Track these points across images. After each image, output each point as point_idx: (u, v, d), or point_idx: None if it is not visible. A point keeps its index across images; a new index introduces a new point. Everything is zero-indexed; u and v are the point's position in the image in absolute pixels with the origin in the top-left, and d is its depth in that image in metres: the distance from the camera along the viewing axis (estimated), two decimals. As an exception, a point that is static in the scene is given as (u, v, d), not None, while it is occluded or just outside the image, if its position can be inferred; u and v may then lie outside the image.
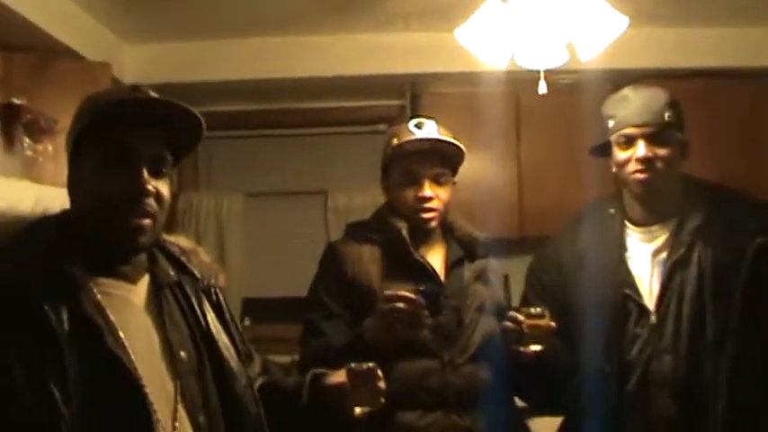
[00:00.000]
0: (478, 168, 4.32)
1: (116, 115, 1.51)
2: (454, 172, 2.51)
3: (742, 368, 2.16)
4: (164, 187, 1.56)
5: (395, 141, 2.46)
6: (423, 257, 2.43)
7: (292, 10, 4.05)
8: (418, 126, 2.46)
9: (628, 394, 2.29)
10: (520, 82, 3.53)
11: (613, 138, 2.39)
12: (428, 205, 2.42)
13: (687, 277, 2.29)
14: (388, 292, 2.22)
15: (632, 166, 2.34)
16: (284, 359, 3.68)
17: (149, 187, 1.52)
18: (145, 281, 1.61)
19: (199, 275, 1.74)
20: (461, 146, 2.46)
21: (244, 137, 5.03)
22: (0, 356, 1.32)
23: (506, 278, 2.52)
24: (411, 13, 4.11)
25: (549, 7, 2.42)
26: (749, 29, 4.32)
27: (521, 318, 2.25)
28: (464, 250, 2.51)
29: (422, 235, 2.47)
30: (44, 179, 3.17)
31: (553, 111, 4.21)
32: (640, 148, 2.32)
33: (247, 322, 4.49)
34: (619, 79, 3.50)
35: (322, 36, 4.41)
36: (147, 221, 1.53)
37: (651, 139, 2.32)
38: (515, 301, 2.53)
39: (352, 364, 1.87)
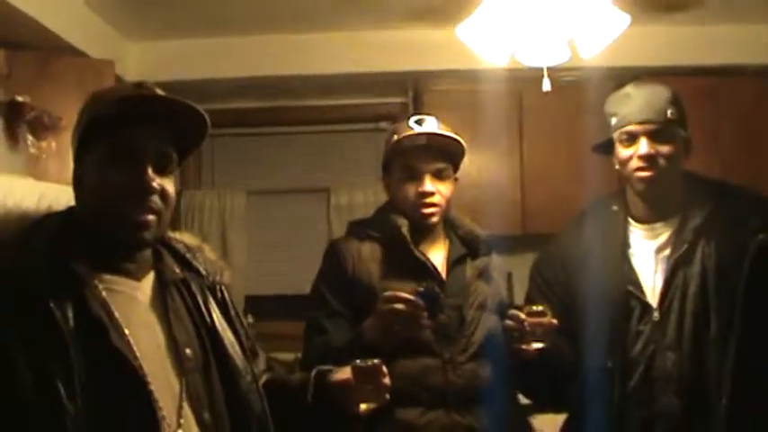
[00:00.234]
0: (481, 166, 4.35)
1: (121, 112, 1.51)
2: (456, 168, 2.51)
3: (745, 365, 2.16)
4: (169, 185, 1.57)
5: (395, 138, 2.47)
6: (424, 255, 2.43)
7: (295, 8, 4.06)
8: (419, 123, 2.46)
9: (631, 391, 2.29)
10: (522, 79, 3.53)
11: (616, 135, 2.39)
12: (429, 200, 2.42)
13: (690, 274, 2.29)
14: (386, 293, 2.22)
15: (635, 164, 2.34)
16: (287, 356, 3.70)
17: (154, 185, 1.52)
18: (150, 278, 1.61)
19: (204, 272, 1.74)
20: (461, 140, 2.46)
21: (247, 134, 5.04)
22: (5, 353, 1.32)
23: (509, 275, 2.52)
24: (413, 11, 4.11)
25: (551, 4, 2.42)
26: (751, 26, 4.32)
27: (522, 316, 2.25)
28: (466, 248, 2.51)
29: (423, 232, 2.47)
30: (48, 176, 3.18)
31: (555, 108, 4.22)
32: (643, 146, 2.32)
33: (250, 320, 4.49)
34: (621, 77, 3.51)
35: (325, 33, 4.42)
36: (151, 217, 1.53)
37: (654, 137, 2.32)
38: (518, 299, 2.53)
39: (357, 361, 1.87)
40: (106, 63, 3.80)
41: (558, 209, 3.23)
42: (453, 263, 2.47)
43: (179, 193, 1.62)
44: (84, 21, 3.89)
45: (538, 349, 2.25)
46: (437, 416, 2.30)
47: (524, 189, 4.49)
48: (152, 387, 1.44)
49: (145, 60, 4.44)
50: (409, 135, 2.44)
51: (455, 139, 2.45)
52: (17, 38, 3.46)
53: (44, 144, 3.38)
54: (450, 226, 2.55)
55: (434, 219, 2.45)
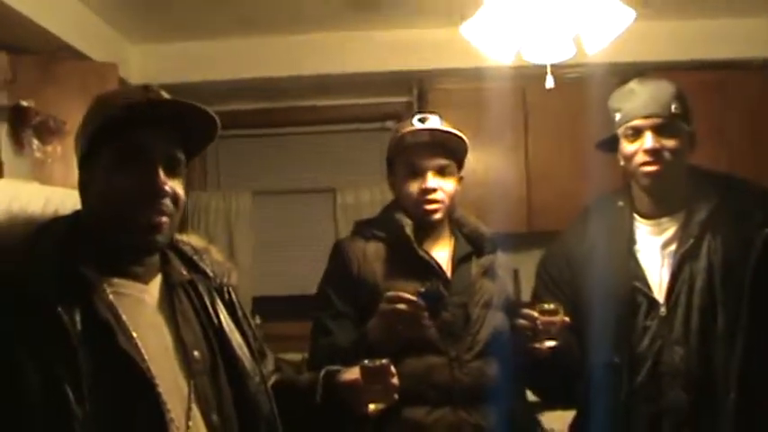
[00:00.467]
0: (486, 164, 4.35)
1: (129, 117, 1.51)
2: (460, 166, 2.51)
3: (752, 359, 2.16)
4: (179, 187, 1.57)
5: (398, 134, 2.47)
6: (428, 254, 2.43)
7: (298, 8, 4.06)
8: (422, 121, 2.46)
9: (638, 386, 2.29)
10: (527, 77, 3.53)
11: (621, 130, 2.39)
12: (432, 197, 2.42)
13: (696, 269, 2.29)
14: (388, 294, 2.22)
15: (640, 158, 2.34)
16: (295, 357, 3.70)
17: (167, 188, 1.52)
18: (157, 280, 1.61)
19: (211, 274, 1.74)
20: (463, 137, 2.46)
21: (251, 135, 5.05)
22: (13, 357, 1.32)
23: (516, 273, 2.52)
24: (417, 10, 4.11)
25: (555, 1, 2.41)
26: (756, 20, 4.32)
27: (534, 314, 2.25)
28: (471, 246, 2.51)
29: (428, 230, 2.48)
30: (53, 180, 3.19)
31: (560, 105, 4.22)
32: (648, 140, 2.32)
33: (258, 320, 4.50)
34: (626, 73, 3.50)
35: (328, 34, 4.42)
36: (164, 220, 1.53)
37: (659, 131, 2.32)
38: (525, 296, 2.53)
39: (366, 361, 1.87)
40: (109, 66, 3.80)
41: (564, 206, 3.22)
42: (458, 261, 2.47)
43: (185, 195, 1.61)
44: (87, 24, 3.89)
45: (551, 347, 2.24)
46: (444, 414, 2.30)
47: (530, 186, 4.49)
48: (160, 389, 1.44)
49: (148, 63, 4.44)
50: (412, 131, 2.44)
51: (458, 136, 2.45)
52: (20, 42, 3.47)
53: (49, 148, 3.39)
54: (455, 224, 2.55)
55: (437, 215, 2.45)
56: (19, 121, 3.36)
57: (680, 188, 2.39)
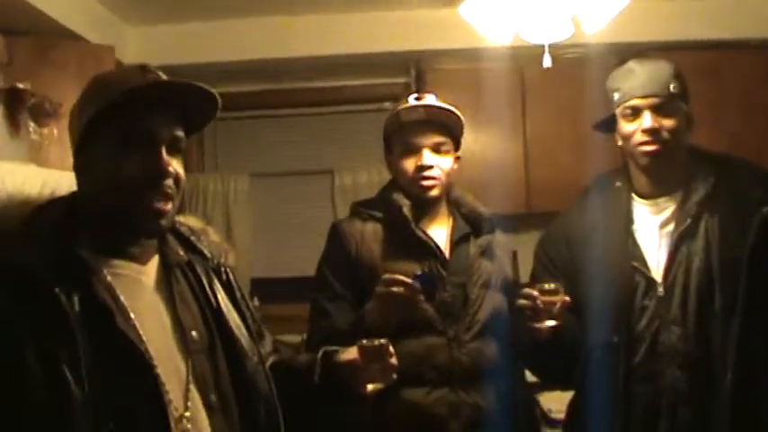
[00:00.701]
0: (485, 144, 4.34)
1: (130, 99, 1.50)
2: (457, 144, 2.52)
3: (749, 339, 2.16)
4: (179, 167, 1.56)
5: (394, 112, 2.48)
6: (426, 234, 2.44)
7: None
8: (418, 99, 2.47)
9: (636, 366, 2.30)
10: (524, 57, 3.52)
11: (619, 110, 2.38)
12: (428, 173, 2.43)
13: (694, 248, 2.29)
14: (384, 276, 2.23)
15: (639, 138, 2.33)
16: (293, 338, 3.71)
17: (170, 168, 1.52)
18: (155, 261, 1.61)
19: (209, 255, 1.74)
20: (458, 113, 2.47)
21: (249, 117, 5.03)
22: (12, 339, 1.32)
23: (515, 254, 2.52)
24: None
25: (553, -20, 2.41)
26: (754, 0, 4.29)
27: (535, 294, 2.25)
28: (469, 226, 2.52)
29: (426, 209, 2.48)
30: (50, 163, 3.18)
31: (558, 85, 4.21)
32: (646, 119, 2.31)
33: (256, 302, 4.50)
34: (624, 52, 3.49)
35: (326, 15, 4.40)
36: (168, 205, 1.53)
37: (657, 110, 2.31)
38: (523, 277, 2.53)
39: (364, 341, 1.86)
40: (106, 48, 3.78)
41: (563, 186, 3.22)
42: (457, 241, 2.48)
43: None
44: (83, 6, 3.87)
45: (551, 327, 2.24)
46: (443, 394, 2.31)
47: (528, 167, 4.48)
48: (158, 370, 1.44)
49: (145, 45, 4.42)
50: (407, 108, 2.45)
51: (453, 113, 2.45)
52: (16, 24, 3.45)
53: (45, 130, 3.38)
54: (453, 204, 2.55)
55: (433, 192, 2.45)
56: (15, 104, 3.36)
57: (678, 168, 2.39)
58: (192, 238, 1.73)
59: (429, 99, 2.48)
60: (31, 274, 1.38)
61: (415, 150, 2.44)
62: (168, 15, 4.35)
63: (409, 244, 2.41)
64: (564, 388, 2.76)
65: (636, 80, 2.35)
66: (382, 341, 1.87)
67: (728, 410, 2.15)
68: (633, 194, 2.44)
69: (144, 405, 1.43)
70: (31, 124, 3.37)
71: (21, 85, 3.34)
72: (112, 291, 1.46)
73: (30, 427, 1.31)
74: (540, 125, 4.46)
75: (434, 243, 2.43)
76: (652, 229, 2.38)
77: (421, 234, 2.42)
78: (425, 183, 2.43)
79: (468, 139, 2.52)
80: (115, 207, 1.51)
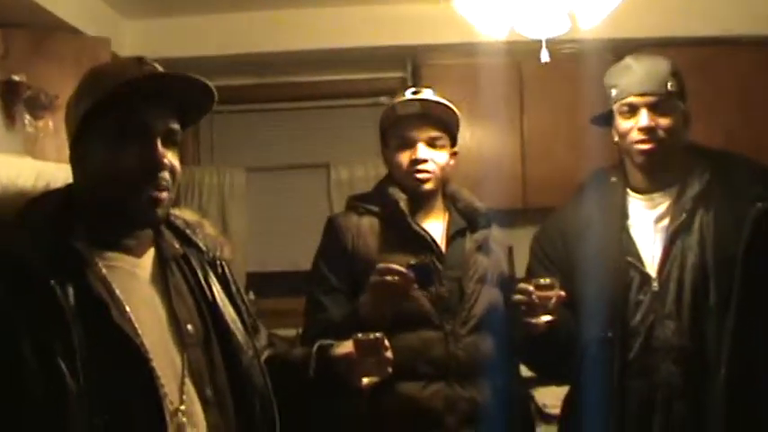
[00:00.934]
0: (481, 140, 4.34)
1: (126, 91, 1.50)
2: (453, 140, 2.52)
3: (744, 334, 2.17)
4: (175, 159, 1.56)
5: (390, 106, 2.49)
6: (422, 228, 2.44)
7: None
8: (415, 94, 2.48)
9: (631, 361, 2.29)
10: (521, 52, 3.52)
11: (616, 107, 2.38)
12: (422, 167, 2.43)
13: (689, 244, 2.29)
14: (378, 266, 2.23)
15: (635, 136, 2.33)
16: (289, 333, 3.71)
17: (165, 161, 1.52)
18: (150, 254, 1.61)
19: (204, 248, 1.74)
20: (454, 108, 2.48)
21: (245, 111, 5.01)
22: (7, 331, 1.32)
23: (510, 249, 2.52)
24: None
25: (550, -25, 2.41)
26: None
27: (530, 289, 2.25)
28: (466, 220, 2.52)
29: (422, 204, 2.48)
30: (45, 155, 3.18)
31: (555, 81, 4.20)
32: (643, 117, 2.31)
33: (251, 296, 4.50)
34: (620, 48, 3.49)
35: (323, 9, 4.40)
36: (164, 195, 1.53)
37: (654, 109, 2.31)
38: (519, 273, 2.53)
39: (359, 335, 1.86)
40: (102, 41, 3.78)
41: (559, 182, 3.21)
42: (453, 236, 2.48)
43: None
44: (80, -1, 3.86)
45: (547, 322, 2.25)
46: (439, 388, 2.32)
47: (525, 162, 4.47)
48: (154, 364, 1.44)
49: (141, 38, 4.41)
50: (403, 101, 2.47)
51: (449, 107, 2.46)
52: (12, 17, 3.44)
53: (41, 123, 3.38)
54: (449, 199, 2.55)
55: (427, 185, 2.45)
56: (10, 96, 3.35)
57: (674, 165, 2.39)
58: (188, 231, 1.73)
59: (426, 94, 2.48)
60: (26, 267, 1.38)
61: (411, 144, 2.44)
62: (165, 8, 4.34)
63: (405, 238, 2.41)
64: (559, 383, 2.76)
65: (633, 77, 2.34)
66: (378, 335, 1.87)
67: (723, 405, 2.16)
68: (628, 190, 2.44)
69: (139, 398, 1.43)
70: (27, 116, 3.36)
71: (16, 78, 3.33)
72: (107, 284, 1.46)
73: (26, 420, 1.31)
74: (536, 121, 4.46)
75: (431, 237, 2.43)
76: (647, 224, 2.38)
77: (417, 228, 2.42)
78: (419, 176, 2.44)
79: (464, 134, 2.53)
80: (112, 199, 1.51)
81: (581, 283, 2.35)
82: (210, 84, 1.56)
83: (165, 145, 1.53)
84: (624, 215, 2.41)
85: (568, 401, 2.55)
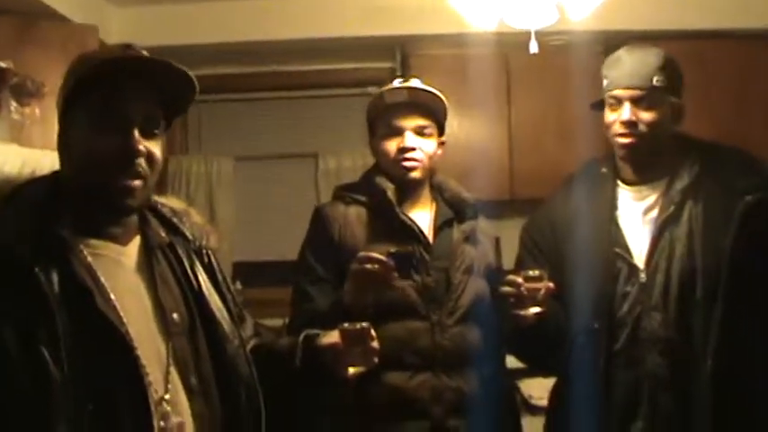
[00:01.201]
0: (469, 130, 4.34)
1: (107, 75, 1.49)
2: (441, 129, 2.52)
3: (730, 327, 2.18)
4: (155, 148, 1.55)
5: (377, 95, 2.50)
6: (410, 218, 2.44)
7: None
8: (402, 83, 2.48)
9: (618, 352, 2.30)
10: (510, 44, 3.51)
11: (606, 98, 2.39)
12: (410, 155, 2.43)
13: (677, 235, 2.29)
14: (359, 254, 2.23)
15: (616, 129, 2.34)
16: (276, 322, 3.70)
17: (141, 147, 1.51)
18: (136, 242, 1.60)
19: (191, 236, 1.73)
20: (441, 96, 2.48)
21: (233, 100, 5.01)
22: (-10, 319, 1.32)
23: (497, 240, 2.52)
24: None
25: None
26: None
27: (519, 281, 2.25)
28: (453, 211, 2.52)
29: (409, 194, 2.48)
30: (32, 142, 3.15)
31: (543, 72, 4.21)
32: (625, 111, 2.31)
33: (238, 286, 4.49)
34: (610, 41, 3.49)
35: (312, -2, 4.38)
36: (137, 183, 1.52)
37: (637, 103, 2.31)
38: (506, 264, 2.53)
39: (345, 325, 1.86)
40: (89, 28, 3.76)
41: (547, 174, 3.21)
42: (440, 226, 2.48)
43: (165, 159, 1.60)
44: (67, -15, 3.84)
45: (536, 314, 2.25)
46: (425, 378, 2.32)
47: (512, 154, 4.48)
48: (138, 352, 1.44)
49: (129, 25, 4.39)
50: (390, 89, 2.47)
51: (437, 95, 2.46)
52: (-2, 3, 3.42)
53: (27, 110, 3.36)
54: (436, 189, 2.55)
55: (415, 174, 2.45)
56: (-4, 83, 3.33)
57: (662, 157, 2.39)
58: (174, 219, 1.72)
59: (414, 83, 2.48)
60: (10, 254, 1.38)
61: (398, 132, 2.44)
62: (153, -5, 4.32)
63: (392, 227, 2.41)
64: (547, 374, 2.77)
65: (621, 70, 2.35)
66: (364, 324, 1.86)
67: (709, 396, 2.17)
68: (618, 181, 2.44)
69: (124, 387, 1.42)
70: (13, 103, 3.34)
71: (2, 64, 3.31)
72: (92, 271, 1.45)
73: (9, 408, 1.31)
74: (524, 112, 4.47)
75: (418, 227, 2.43)
76: (635, 215, 2.38)
77: (404, 218, 2.42)
78: (407, 164, 2.43)
79: (452, 124, 2.53)
80: (93, 184, 1.51)
81: (569, 273, 2.35)
82: (191, 74, 1.55)
83: (144, 132, 1.52)
84: (613, 206, 2.41)
85: (556, 392, 2.55)
